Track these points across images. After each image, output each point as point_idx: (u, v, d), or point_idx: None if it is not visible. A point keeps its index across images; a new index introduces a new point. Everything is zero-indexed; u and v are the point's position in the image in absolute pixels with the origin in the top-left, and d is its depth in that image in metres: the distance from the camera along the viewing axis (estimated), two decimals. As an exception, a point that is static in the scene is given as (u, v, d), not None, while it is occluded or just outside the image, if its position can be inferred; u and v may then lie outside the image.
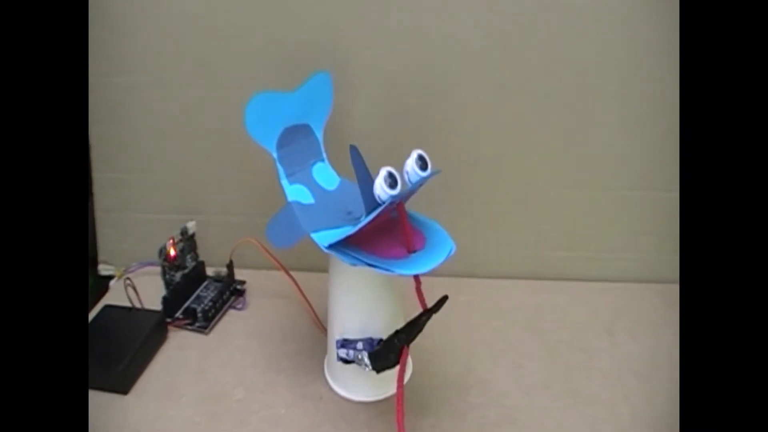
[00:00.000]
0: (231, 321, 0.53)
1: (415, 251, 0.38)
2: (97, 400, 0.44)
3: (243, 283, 0.57)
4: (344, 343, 0.43)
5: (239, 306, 0.55)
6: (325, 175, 0.46)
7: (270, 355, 0.49)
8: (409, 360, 0.47)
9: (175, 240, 0.53)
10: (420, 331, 0.40)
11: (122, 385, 0.45)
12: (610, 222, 0.57)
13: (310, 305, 0.51)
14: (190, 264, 0.55)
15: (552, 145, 0.55)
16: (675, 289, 0.33)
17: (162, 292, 0.52)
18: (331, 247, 0.39)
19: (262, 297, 0.56)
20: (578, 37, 0.52)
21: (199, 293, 0.55)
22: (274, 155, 0.44)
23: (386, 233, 0.40)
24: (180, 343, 0.50)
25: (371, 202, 0.37)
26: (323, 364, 0.48)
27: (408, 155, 0.38)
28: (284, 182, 0.44)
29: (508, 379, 0.46)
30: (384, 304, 0.42)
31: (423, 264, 0.36)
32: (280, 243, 0.43)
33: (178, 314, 0.52)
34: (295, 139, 0.45)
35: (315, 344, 0.50)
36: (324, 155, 0.47)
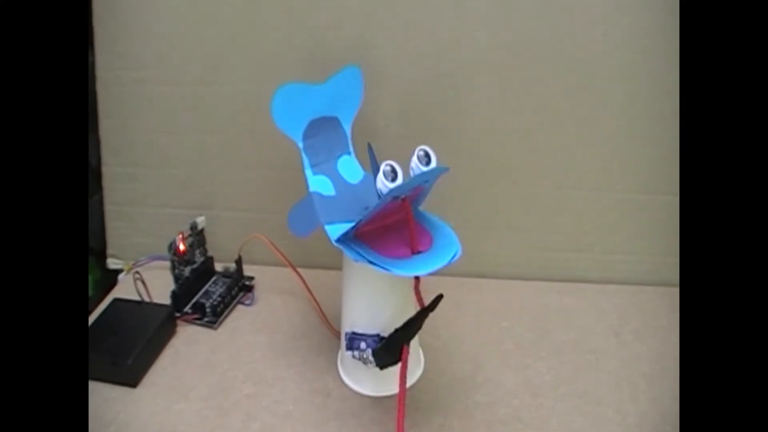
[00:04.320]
0: (239, 316, 0.53)
1: (419, 252, 0.38)
2: (106, 393, 0.45)
3: (251, 279, 0.57)
4: (350, 344, 0.43)
5: (248, 302, 0.55)
6: (350, 169, 0.46)
7: (278, 350, 0.49)
8: (421, 357, 0.47)
9: (185, 235, 0.53)
10: (418, 329, 0.40)
11: (131, 378, 0.46)
12: (617, 224, 0.57)
13: (317, 302, 0.52)
14: (199, 259, 0.55)
15: (560, 147, 0.55)
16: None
17: (171, 286, 0.52)
18: (339, 241, 0.39)
19: (271, 293, 0.56)
20: (585, 40, 0.52)
21: (207, 288, 0.55)
22: (300, 145, 0.44)
23: (396, 233, 0.40)
24: (189, 337, 0.51)
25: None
26: (332, 360, 0.48)
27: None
28: (308, 172, 0.44)
29: (516, 379, 0.46)
30: (394, 299, 0.42)
31: (423, 266, 0.36)
32: (298, 231, 0.45)
33: (187, 309, 0.53)
34: (322, 131, 0.45)
35: (323, 340, 0.50)
36: (351, 148, 0.47)
